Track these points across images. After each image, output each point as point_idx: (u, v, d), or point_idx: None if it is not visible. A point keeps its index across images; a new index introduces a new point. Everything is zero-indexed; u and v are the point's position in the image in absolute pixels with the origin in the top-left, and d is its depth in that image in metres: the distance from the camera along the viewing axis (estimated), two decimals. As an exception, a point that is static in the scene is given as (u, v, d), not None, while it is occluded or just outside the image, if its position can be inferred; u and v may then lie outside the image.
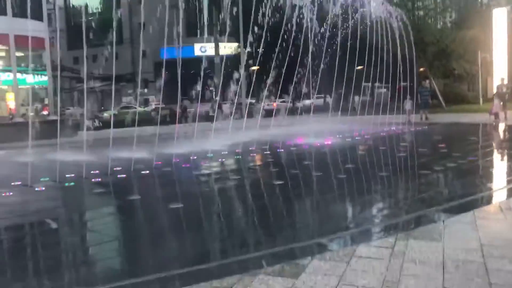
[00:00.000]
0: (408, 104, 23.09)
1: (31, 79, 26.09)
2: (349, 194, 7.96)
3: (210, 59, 17.15)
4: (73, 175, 9.83)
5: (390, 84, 21.02)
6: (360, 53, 19.11)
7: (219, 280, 3.82)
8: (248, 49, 21.72)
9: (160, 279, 4.09)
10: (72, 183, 9.29)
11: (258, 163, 12.23)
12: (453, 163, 10.14)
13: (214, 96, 17.88)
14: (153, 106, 35.19)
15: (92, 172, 10.03)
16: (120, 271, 4.75)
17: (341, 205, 7.24)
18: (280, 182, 8.82)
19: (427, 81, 27.07)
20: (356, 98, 26.74)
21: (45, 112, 26.38)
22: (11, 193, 8.45)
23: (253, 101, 27.55)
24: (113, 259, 5.16)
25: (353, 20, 20.36)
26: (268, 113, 18.95)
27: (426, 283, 3.68)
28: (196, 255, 4.92)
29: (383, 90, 26.91)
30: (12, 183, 9.13)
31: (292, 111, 21.27)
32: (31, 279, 4.54)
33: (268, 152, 13.25)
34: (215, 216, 6.95)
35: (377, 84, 24.48)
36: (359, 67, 20.41)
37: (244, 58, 21.65)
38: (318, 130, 17.20)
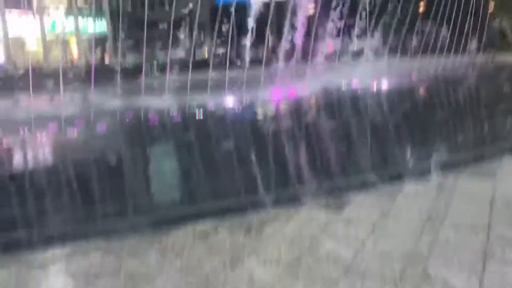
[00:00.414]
0: (473, 44, 21.69)
1: (92, 27, 26.85)
2: (407, 133, 7.87)
3: (264, 3, 16.77)
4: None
5: (453, 23, 19.73)
6: None
7: (265, 211, 3.97)
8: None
9: (213, 210, 4.29)
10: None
11: (312, 107, 12.22)
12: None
13: (267, 41, 17.63)
14: (206, 51, 35.36)
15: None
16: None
17: (397, 144, 7.17)
18: (339, 122, 8.85)
19: (496, 19, 25.17)
20: (416, 38, 25.38)
21: (106, 59, 27.28)
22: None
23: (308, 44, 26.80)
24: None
25: None
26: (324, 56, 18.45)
27: (472, 219, 3.63)
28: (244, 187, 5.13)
29: (446, 29, 25.28)
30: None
31: (346, 53, 20.63)
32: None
33: (321, 97, 13.13)
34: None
35: (439, 22, 22.98)
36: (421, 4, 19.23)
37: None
38: (374, 73, 16.64)
